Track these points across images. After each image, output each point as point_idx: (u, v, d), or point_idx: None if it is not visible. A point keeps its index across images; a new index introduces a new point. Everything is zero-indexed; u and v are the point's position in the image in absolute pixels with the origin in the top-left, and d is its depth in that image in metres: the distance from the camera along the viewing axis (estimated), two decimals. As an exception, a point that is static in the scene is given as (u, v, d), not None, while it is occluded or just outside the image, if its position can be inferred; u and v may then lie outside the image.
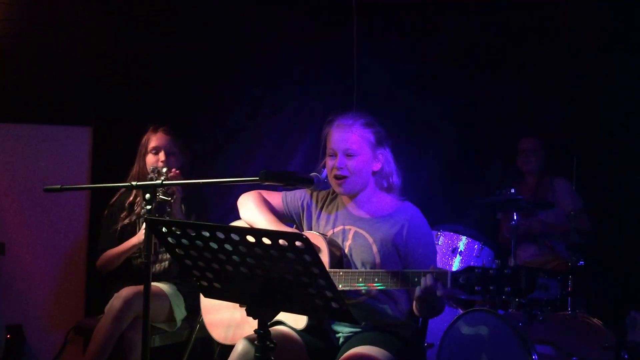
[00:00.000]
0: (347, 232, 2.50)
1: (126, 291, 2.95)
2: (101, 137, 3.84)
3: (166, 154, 3.22)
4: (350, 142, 2.45)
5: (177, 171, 3.06)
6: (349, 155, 2.45)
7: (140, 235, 3.03)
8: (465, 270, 2.14)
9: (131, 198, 3.28)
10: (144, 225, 2.98)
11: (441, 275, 2.16)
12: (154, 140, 3.25)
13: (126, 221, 3.23)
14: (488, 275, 2.11)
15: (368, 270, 2.37)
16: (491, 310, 3.26)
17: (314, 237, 2.45)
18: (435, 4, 4.30)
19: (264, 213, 2.59)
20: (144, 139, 3.29)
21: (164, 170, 2.94)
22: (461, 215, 4.11)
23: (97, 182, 3.72)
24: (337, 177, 2.46)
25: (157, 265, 3.20)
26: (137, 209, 3.24)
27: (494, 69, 4.38)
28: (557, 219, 4.07)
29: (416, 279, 2.20)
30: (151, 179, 2.87)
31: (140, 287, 3.01)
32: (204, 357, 3.31)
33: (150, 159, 3.23)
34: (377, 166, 2.50)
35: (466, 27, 4.34)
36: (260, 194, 2.69)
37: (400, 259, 2.43)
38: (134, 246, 3.09)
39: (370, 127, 2.49)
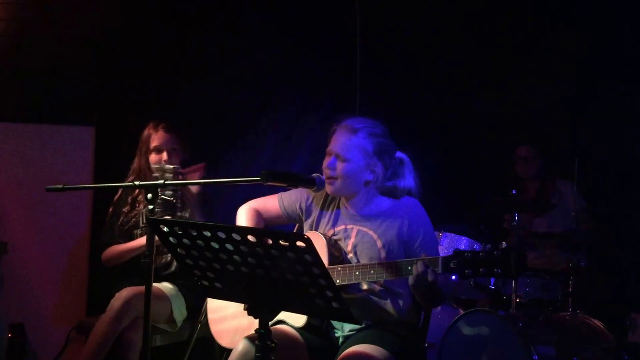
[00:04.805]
0: (350, 231, 2.52)
1: (127, 291, 2.96)
2: (104, 137, 3.86)
3: (168, 152, 3.25)
4: (345, 146, 2.46)
5: (197, 170, 3.08)
6: (341, 159, 2.46)
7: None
8: (456, 255, 2.18)
9: (135, 193, 3.30)
10: None
11: (432, 261, 2.19)
12: (155, 139, 3.26)
13: (130, 216, 3.25)
14: (478, 258, 2.14)
15: (364, 263, 2.39)
16: (492, 310, 3.27)
17: (314, 236, 2.46)
18: (439, 6, 4.31)
19: None
20: (144, 136, 3.30)
21: (169, 167, 2.96)
22: (461, 215, 4.12)
23: (99, 181, 3.73)
24: (326, 176, 2.49)
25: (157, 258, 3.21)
26: (141, 205, 3.26)
27: (497, 71, 4.39)
28: (563, 221, 4.07)
29: (409, 267, 2.23)
30: (156, 178, 2.89)
31: (141, 288, 3.03)
32: (205, 357, 3.31)
33: (153, 158, 3.25)
34: (369, 176, 2.50)
35: (469, 29, 4.34)
36: (253, 208, 2.71)
37: (405, 252, 2.45)
38: (143, 245, 3.10)
39: (372, 137, 2.49)
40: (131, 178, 3.30)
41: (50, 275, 3.79)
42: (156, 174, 2.98)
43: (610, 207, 4.19)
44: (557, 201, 4.09)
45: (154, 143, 3.26)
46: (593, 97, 4.32)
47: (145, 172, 3.26)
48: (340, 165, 2.46)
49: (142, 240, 3.12)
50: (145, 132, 3.30)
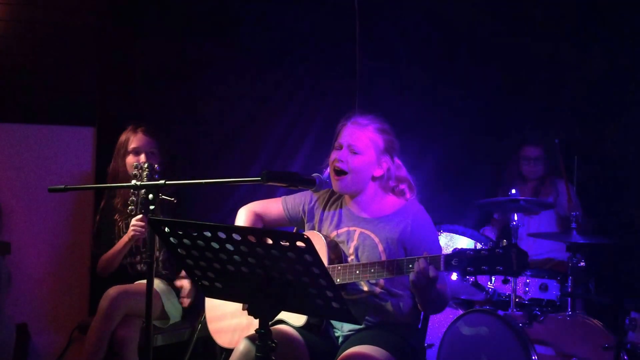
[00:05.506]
0: (352, 233, 2.53)
1: (112, 290, 2.99)
2: (105, 138, 3.85)
3: (146, 155, 3.28)
4: (358, 139, 2.49)
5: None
6: (353, 151, 2.48)
7: (129, 232, 3.06)
8: (458, 253, 2.19)
9: (115, 202, 3.31)
10: (132, 221, 3.04)
11: (434, 259, 2.21)
12: (134, 141, 3.29)
13: (119, 223, 3.27)
14: (480, 255, 2.16)
15: (364, 262, 2.40)
16: (491, 310, 3.28)
17: (314, 237, 2.46)
18: (437, 5, 4.31)
19: None
20: (123, 139, 3.33)
21: (146, 165, 2.96)
22: (461, 215, 4.13)
23: (100, 182, 3.73)
24: (336, 172, 2.49)
25: (138, 265, 3.25)
26: (117, 214, 3.27)
27: (497, 71, 4.39)
28: (557, 220, 4.08)
29: (410, 266, 2.24)
30: (135, 176, 2.90)
31: (127, 286, 3.07)
32: (205, 357, 3.32)
33: (130, 159, 3.27)
34: (378, 172, 2.52)
35: (469, 29, 4.35)
36: (254, 212, 2.72)
37: (406, 256, 2.45)
38: (126, 244, 3.12)
39: (382, 133, 2.53)
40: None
41: (52, 275, 3.79)
42: (135, 172, 2.97)
43: (610, 208, 4.20)
44: (553, 201, 4.10)
45: (132, 145, 3.29)
46: (594, 97, 4.34)
47: (120, 175, 3.27)
48: (351, 158, 2.48)
49: (124, 239, 3.11)
50: (124, 135, 3.34)
